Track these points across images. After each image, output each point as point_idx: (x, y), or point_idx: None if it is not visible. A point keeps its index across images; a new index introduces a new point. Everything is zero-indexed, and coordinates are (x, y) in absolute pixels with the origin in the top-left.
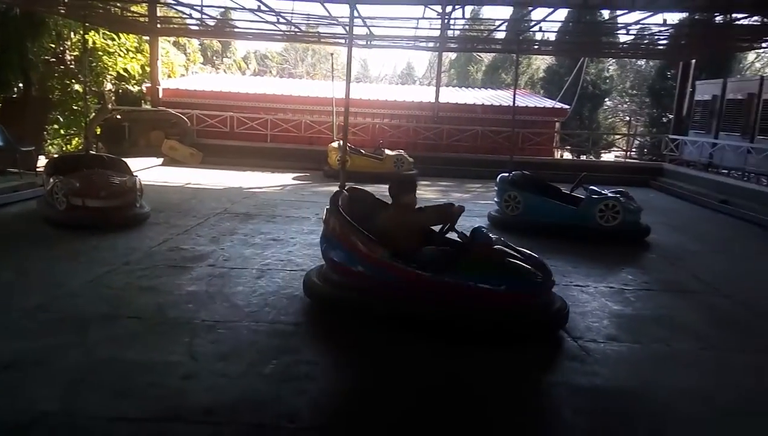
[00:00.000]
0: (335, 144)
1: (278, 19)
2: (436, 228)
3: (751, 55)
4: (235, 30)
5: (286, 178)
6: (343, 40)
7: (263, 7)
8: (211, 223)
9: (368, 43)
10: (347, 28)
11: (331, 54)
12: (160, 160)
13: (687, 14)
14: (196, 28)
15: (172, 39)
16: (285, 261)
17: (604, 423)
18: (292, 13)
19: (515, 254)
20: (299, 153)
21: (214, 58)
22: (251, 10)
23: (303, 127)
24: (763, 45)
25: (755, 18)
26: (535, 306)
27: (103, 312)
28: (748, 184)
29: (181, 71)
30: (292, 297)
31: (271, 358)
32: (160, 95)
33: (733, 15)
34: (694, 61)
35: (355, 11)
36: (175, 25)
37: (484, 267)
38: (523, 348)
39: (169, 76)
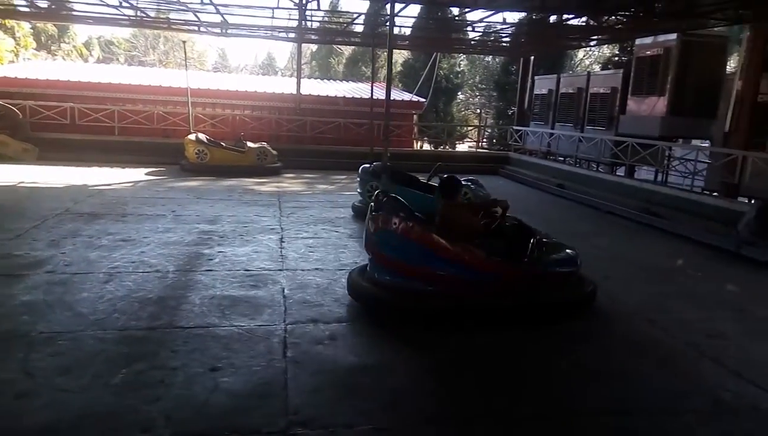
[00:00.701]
0: (192, 136)
1: (121, 2)
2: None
3: (580, 53)
4: (73, 13)
5: (139, 174)
6: (195, 27)
7: None
8: (49, 225)
9: (224, 31)
10: (198, 15)
11: (184, 42)
12: None
13: (525, 14)
14: (25, 9)
15: None
16: (137, 263)
17: (465, 397)
18: None
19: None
20: (153, 146)
21: (50, 43)
22: None
23: (156, 118)
24: (591, 43)
25: (583, 19)
26: (580, 280)
27: None
28: (580, 169)
29: (10, 57)
30: (144, 300)
31: (121, 367)
32: None
33: (564, 16)
34: (532, 57)
35: None
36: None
37: (551, 252)
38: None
39: None
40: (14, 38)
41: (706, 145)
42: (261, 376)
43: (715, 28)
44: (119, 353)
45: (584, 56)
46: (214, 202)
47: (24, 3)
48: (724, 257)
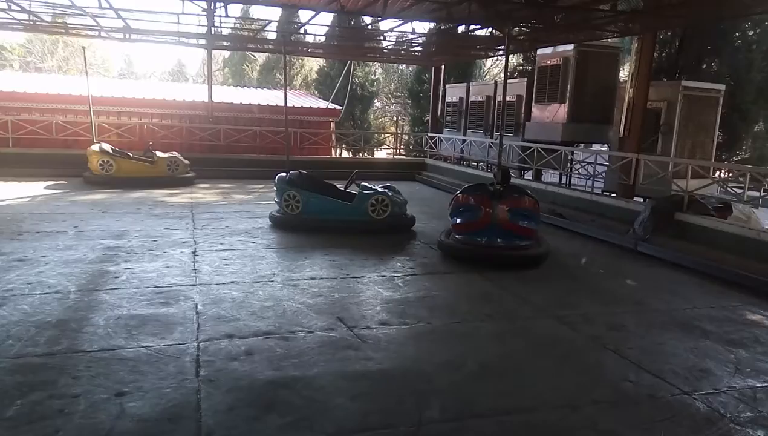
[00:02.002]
0: (96, 147)
1: (9, 5)
2: None
3: (488, 62)
4: None
5: (37, 188)
6: (95, 33)
7: None
8: None
9: (126, 36)
10: (97, 19)
11: (84, 47)
12: None
13: (434, 24)
14: None
15: None
16: (34, 284)
17: (381, 405)
18: (31, 1)
19: None
20: (53, 158)
21: None
22: None
23: (55, 129)
24: (498, 53)
25: (489, 30)
26: None
27: None
28: (490, 174)
29: None
30: (42, 324)
31: (15, 398)
32: None
33: (471, 26)
34: (443, 66)
35: (103, 1)
36: None
37: None
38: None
39: None
40: None
41: (605, 149)
42: (172, 398)
43: (608, 40)
44: (13, 382)
45: (492, 65)
46: (121, 216)
47: None
48: (622, 254)
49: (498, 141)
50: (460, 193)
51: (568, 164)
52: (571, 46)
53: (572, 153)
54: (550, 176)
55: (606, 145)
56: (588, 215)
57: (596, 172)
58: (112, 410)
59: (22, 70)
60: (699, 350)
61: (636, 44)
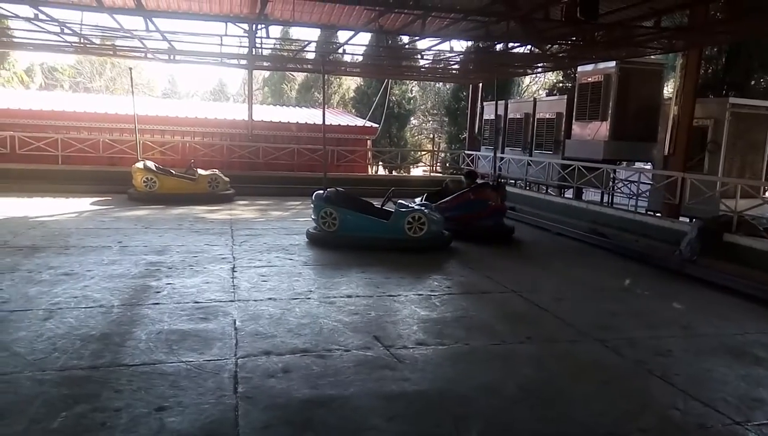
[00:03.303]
0: (140, 164)
1: (62, 29)
2: None
3: (527, 79)
4: (13, 39)
5: (84, 204)
6: (141, 54)
7: (42, 16)
8: None
9: (171, 57)
10: (144, 41)
11: (130, 68)
12: None
13: (472, 42)
14: None
15: None
16: (79, 298)
17: (418, 428)
18: (81, 25)
19: None
20: (99, 175)
21: None
22: (27, 19)
23: (102, 146)
24: (537, 70)
25: (528, 47)
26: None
27: None
28: (529, 192)
29: None
30: (86, 338)
31: (60, 410)
32: None
33: (510, 44)
34: (481, 84)
35: (150, 24)
36: None
37: None
38: None
39: None
40: None
41: (649, 167)
42: (210, 414)
43: (652, 56)
44: (59, 394)
45: (531, 82)
46: (163, 232)
47: None
48: (668, 276)
49: (536, 158)
50: (468, 192)
51: (610, 183)
52: (612, 63)
53: (614, 171)
54: (591, 195)
55: (650, 163)
56: (631, 235)
57: (640, 191)
58: (153, 425)
59: (72, 90)
60: (751, 377)
61: (681, 60)
